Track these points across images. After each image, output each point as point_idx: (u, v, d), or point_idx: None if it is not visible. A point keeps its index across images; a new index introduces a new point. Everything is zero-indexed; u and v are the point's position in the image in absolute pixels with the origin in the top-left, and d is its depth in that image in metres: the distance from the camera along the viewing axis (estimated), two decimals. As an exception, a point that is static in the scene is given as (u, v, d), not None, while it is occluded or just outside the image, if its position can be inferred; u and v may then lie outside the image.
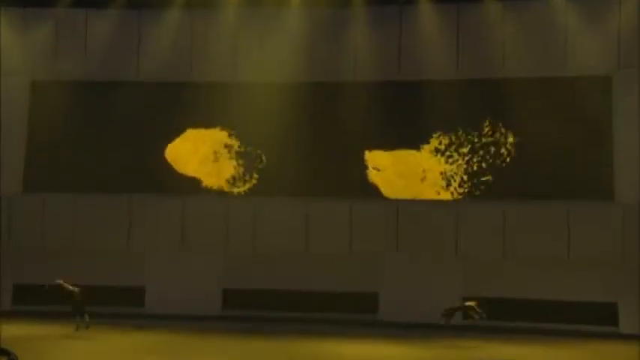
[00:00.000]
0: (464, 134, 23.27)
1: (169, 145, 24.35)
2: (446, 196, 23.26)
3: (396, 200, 23.23)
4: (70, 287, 19.11)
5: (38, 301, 21.92)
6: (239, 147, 24.34)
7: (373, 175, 23.69)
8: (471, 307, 19.41)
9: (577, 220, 22.03)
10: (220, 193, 23.93)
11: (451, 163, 23.29)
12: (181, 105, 24.32)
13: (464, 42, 23.24)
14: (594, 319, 21.13)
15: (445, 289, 22.21)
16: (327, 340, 19.27)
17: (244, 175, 24.29)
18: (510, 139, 22.84)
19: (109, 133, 24.36)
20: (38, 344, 16.97)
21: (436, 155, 23.43)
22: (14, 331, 18.87)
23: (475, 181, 23.03)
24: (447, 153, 23.38)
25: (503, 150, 22.92)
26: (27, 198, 24.30)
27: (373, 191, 23.44)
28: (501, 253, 22.45)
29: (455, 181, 23.32)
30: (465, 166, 23.19)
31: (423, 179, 23.57)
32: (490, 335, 19.80)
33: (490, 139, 23.05)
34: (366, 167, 23.61)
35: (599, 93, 22.26)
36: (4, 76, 24.24)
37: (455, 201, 22.96)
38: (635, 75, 21.96)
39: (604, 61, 22.27)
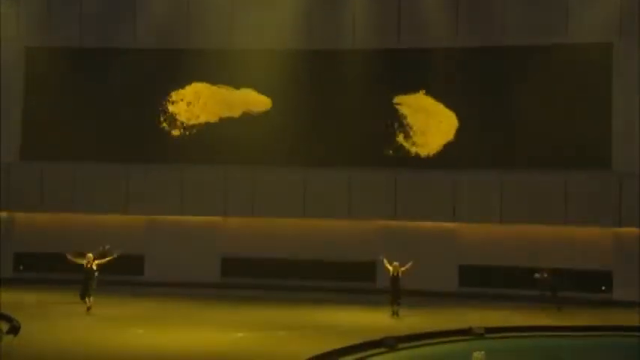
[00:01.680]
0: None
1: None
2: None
3: (394, 169, 23.54)
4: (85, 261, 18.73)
5: (38, 269, 22.56)
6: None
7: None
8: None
9: (574, 188, 22.41)
10: (219, 161, 24.10)
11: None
12: (178, 71, 24.52)
13: (463, 10, 23.42)
14: (589, 286, 21.65)
15: (442, 257, 22.76)
16: (324, 307, 19.66)
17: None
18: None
19: (105, 100, 24.55)
20: (39, 310, 17.37)
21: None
22: (15, 298, 19.54)
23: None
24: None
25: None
26: (25, 166, 24.67)
27: (372, 160, 23.74)
28: (499, 220, 22.88)
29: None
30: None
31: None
32: (482, 302, 20.34)
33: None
34: (364, 136, 23.79)
35: (599, 60, 22.44)
36: (-1, 42, 24.59)
37: (451, 170, 23.19)
38: (635, 42, 22.14)
39: (605, 28, 22.41)
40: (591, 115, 22.53)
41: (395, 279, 18.34)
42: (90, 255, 18.27)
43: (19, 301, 18.90)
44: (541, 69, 22.82)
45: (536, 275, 20.25)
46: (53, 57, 24.79)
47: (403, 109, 23.84)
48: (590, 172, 22.40)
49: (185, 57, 24.49)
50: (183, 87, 24.65)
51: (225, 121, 24.53)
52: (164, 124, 24.56)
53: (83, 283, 17.89)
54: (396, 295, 18.17)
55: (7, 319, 16.39)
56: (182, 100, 24.65)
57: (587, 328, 17.39)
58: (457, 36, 23.51)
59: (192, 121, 24.56)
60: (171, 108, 24.58)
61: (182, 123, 24.56)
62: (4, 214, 24.82)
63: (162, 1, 24.53)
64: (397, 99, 23.79)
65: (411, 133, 23.83)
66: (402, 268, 18.43)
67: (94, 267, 18.07)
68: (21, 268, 23.96)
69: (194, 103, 24.66)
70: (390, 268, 18.46)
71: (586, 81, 22.60)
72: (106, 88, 24.60)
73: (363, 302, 20.21)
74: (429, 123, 23.75)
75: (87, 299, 17.75)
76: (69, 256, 18.60)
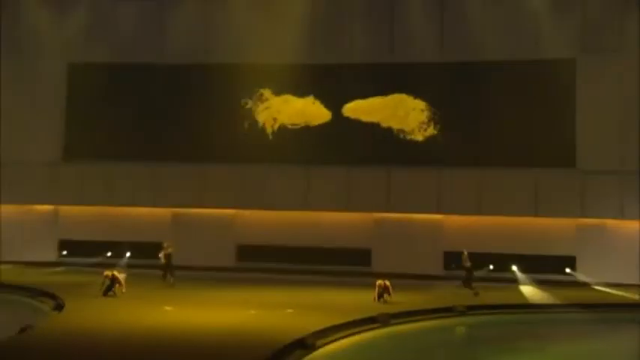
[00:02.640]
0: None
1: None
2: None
3: (388, 167, 23.57)
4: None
5: (79, 254, 22.81)
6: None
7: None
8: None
9: (544, 185, 22.51)
10: (234, 161, 24.14)
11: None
12: (199, 83, 24.52)
13: (447, 30, 23.49)
14: (556, 269, 21.76)
15: (429, 244, 22.89)
16: (326, 288, 19.70)
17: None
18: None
19: (136, 108, 24.67)
20: (79, 290, 17.46)
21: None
22: (59, 279, 19.81)
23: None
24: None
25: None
26: (67, 165, 24.85)
27: (369, 159, 23.75)
28: (479, 212, 22.98)
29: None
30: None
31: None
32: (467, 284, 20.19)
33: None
34: (360, 138, 23.82)
35: (565, 74, 22.51)
36: (45, 59, 24.83)
37: (439, 167, 23.21)
38: (595, 58, 22.24)
39: (569, 46, 22.50)
40: (558, 121, 22.64)
41: None
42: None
43: (63, 281, 19.23)
44: (515, 82, 22.89)
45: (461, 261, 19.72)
46: (91, 71, 24.93)
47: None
48: (557, 171, 22.54)
49: (204, 70, 24.47)
50: (201, 96, 24.52)
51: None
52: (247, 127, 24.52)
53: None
54: None
55: (52, 297, 16.71)
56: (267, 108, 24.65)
57: (556, 305, 17.55)
58: (442, 52, 23.58)
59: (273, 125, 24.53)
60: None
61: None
62: (50, 207, 25.08)
63: (185, 22, 24.52)
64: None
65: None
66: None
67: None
68: (64, 253, 24.30)
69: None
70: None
71: (554, 92, 22.72)
72: (137, 98, 24.71)
73: (361, 284, 20.25)
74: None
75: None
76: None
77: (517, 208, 22.58)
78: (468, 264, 19.44)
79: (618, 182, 21.88)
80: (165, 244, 20.13)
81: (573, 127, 22.50)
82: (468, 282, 19.22)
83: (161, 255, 19.90)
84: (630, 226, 21.86)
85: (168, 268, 19.69)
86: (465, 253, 19.59)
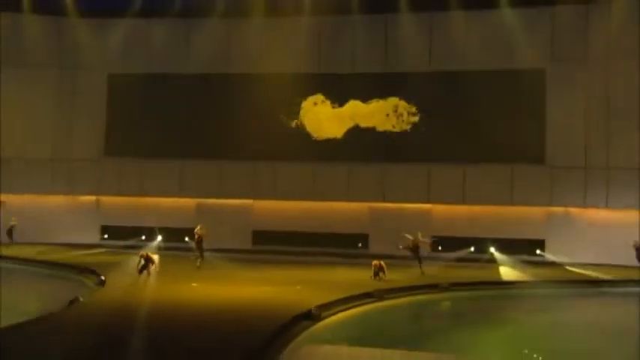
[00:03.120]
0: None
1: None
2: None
3: (383, 164, 23.58)
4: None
5: (117, 237, 23.02)
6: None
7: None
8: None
9: (518, 178, 22.61)
10: (249, 159, 24.20)
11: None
12: (219, 91, 24.58)
13: (435, 43, 23.50)
14: (528, 251, 21.85)
15: (419, 230, 22.92)
16: (329, 267, 19.77)
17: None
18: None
19: (166, 112, 24.74)
20: (118, 268, 17.61)
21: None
22: (101, 259, 19.99)
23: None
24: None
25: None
26: (107, 161, 25.06)
27: (366, 157, 23.77)
28: (463, 202, 23.05)
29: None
30: None
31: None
32: (447, 264, 20.29)
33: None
34: (361, 140, 23.87)
35: (536, 82, 22.52)
36: (88, 70, 25.03)
37: (427, 163, 23.24)
38: (562, 68, 22.25)
39: (540, 57, 22.45)
40: (531, 124, 22.67)
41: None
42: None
43: (104, 261, 19.42)
44: (494, 89, 22.84)
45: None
46: (128, 81, 25.05)
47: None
48: (529, 166, 22.58)
49: (224, 79, 24.50)
50: (223, 102, 24.56)
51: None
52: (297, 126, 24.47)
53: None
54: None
55: (96, 274, 16.94)
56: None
57: (528, 282, 17.70)
58: (430, 63, 23.56)
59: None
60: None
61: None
62: (92, 197, 25.35)
63: (208, 39, 24.41)
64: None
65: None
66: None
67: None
68: (105, 236, 24.53)
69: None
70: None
71: (527, 98, 22.71)
72: (167, 104, 24.75)
73: (359, 264, 20.30)
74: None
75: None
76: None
77: (495, 198, 22.67)
78: (411, 245, 18.65)
79: (581, 176, 21.93)
80: (197, 228, 19.33)
81: (543, 128, 22.53)
82: (419, 261, 18.55)
83: (196, 234, 19.20)
84: (591, 213, 21.97)
85: (199, 250, 19.09)
86: (419, 235, 18.80)
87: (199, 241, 19.13)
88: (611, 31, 21.49)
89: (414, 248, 18.56)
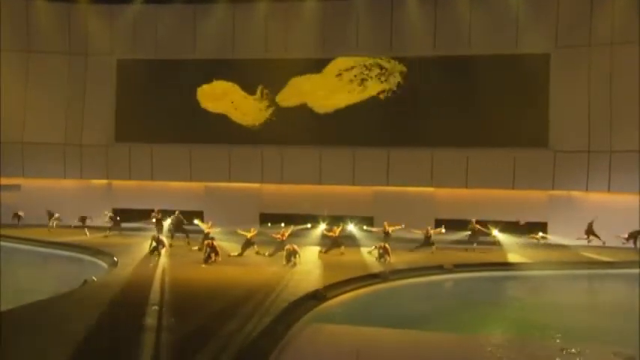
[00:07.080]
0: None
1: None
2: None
3: (387, 148, 23.60)
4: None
5: (128, 220, 23.09)
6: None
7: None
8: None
9: (521, 162, 22.54)
10: (257, 143, 24.26)
11: None
12: (226, 75, 24.63)
13: (440, 28, 23.30)
14: (531, 233, 21.59)
15: (423, 213, 22.91)
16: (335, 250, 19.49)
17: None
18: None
19: (174, 98, 24.68)
20: (129, 249, 17.89)
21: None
22: (113, 240, 20.18)
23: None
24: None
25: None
26: (118, 146, 25.17)
27: (370, 141, 23.74)
28: (465, 186, 23.06)
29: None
30: None
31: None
32: (451, 246, 20.19)
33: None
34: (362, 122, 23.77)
35: (540, 67, 22.33)
36: (98, 56, 25.01)
37: (430, 148, 23.18)
38: (566, 53, 22.09)
39: (544, 42, 22.26)
40: (534, 108, 22.52)
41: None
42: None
43: (116, 243, 19.63)
44: (498, 73, 22.67)
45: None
46: (137, 66, 25.03)
47: None
48: (532, 150, 22.53)
49: (230, 64, 24.49)
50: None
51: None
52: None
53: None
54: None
55: (108, 255, 17.15)
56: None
57: (531, 263, 17.70)
58: (435, 47, 23.39)
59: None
60: None
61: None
62: (104, 181, 25.52)
63: (214, 24, 24.32)
64: None
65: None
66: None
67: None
68: (117, 219, 24.62)
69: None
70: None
71: (531, 83, 22.54)
72: (175, 89, 24.71)
73: (364, 246, 20.35)
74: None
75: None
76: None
77: (498, 182, 22.63)
78: (333, 234, 18.76)
79: (583, 160, 21.85)
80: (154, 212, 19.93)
81: (547, 113, 22.39)
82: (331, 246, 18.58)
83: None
84: (592, 196, 21.95)
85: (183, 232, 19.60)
86: (341, 225, 19.11)
87: (159, 222, 19.70)
88: (615, 17, 21.31)
89: (427, 237, 18.89)
